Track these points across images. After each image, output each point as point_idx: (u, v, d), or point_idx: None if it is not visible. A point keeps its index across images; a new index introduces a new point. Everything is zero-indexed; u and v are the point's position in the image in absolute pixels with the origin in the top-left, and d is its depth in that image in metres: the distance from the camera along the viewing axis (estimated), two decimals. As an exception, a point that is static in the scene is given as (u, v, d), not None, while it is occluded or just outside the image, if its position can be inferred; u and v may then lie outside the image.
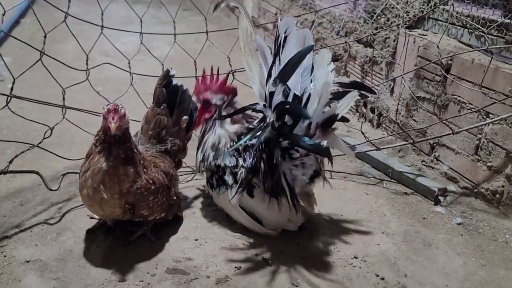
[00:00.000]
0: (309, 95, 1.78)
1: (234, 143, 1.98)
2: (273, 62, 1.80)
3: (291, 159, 1.87)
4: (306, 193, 2.05)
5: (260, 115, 1.98)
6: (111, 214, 1.77)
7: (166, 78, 2.13)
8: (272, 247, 1.94)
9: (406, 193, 2.45)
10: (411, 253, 1.97)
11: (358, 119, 3.30)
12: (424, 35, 2.66)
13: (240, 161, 1.98)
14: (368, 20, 3.20)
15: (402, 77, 2.61)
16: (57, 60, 2.21)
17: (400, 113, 2.82)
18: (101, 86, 3.08)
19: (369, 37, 3.11)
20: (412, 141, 2.53)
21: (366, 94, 1.89)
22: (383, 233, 2.10)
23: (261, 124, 1.91)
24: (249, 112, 2.02)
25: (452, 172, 2.46)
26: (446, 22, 2.59)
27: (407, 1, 2.87)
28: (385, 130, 3.03)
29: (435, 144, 2.59)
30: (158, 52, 2.47)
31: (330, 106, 1.80)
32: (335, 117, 1.79)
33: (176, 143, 2.13)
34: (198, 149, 2.11)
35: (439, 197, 2.34)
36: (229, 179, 1.98)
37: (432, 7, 2.66)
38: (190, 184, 2.40)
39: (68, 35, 2.23)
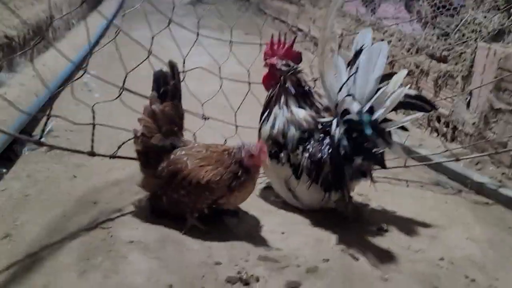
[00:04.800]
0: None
1: (300, 133, 2.14)
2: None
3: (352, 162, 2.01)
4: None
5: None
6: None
7: None
8: (357, 245, 1.98)
9: (487, 203, 2.42)
10: (499, 259, 1.94)
11: (430, 133, 3.29)
12: (505, 47, 2.66)
13: (301, 148, 2.12)
14: (441, 37, 3.25)
15: (489, 90, 2.62)
16: (135, 93, 2.39)
17: (477, 126, 2.81)
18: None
19: (443, 53, 3.16)
20: (495, 151, 2.51)
21: (428, 109, 2.05)
22: (467, 238, 2.09)
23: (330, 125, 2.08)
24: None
25: (537, 184, 2.41)
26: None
27: (485, 16, 2.90)
28: (460, 144, 3.01)
29: (517, 156, 2.55)
30: (227, 70, 2.65)
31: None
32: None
33: None
34: (262, 115, 2.26)
35: (524, 208, 2.29)
36: (283, 158, 2.15)
37: (514, 21, 2.68)
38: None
39: (143, 53, 2.38)
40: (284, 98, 2.21)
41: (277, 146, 2.17)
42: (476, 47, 2.84)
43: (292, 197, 2.23)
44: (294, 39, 2.27)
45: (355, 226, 2.14)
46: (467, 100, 2.93)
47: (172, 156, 1.96)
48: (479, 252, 1.98)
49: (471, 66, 2.89)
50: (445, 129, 3.15)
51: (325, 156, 2.07)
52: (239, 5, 9.73)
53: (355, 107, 1.96)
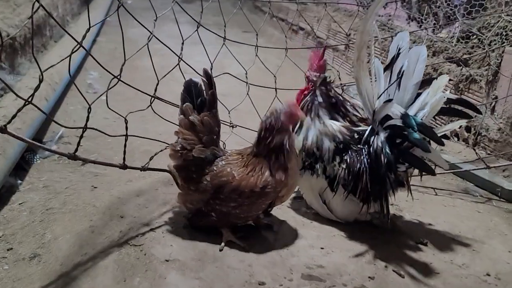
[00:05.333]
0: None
1: (335, 145, 2.06)
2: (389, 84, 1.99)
3: (395, 171, 1.95)
4: None
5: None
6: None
7: None
8: (398, 260, 1.91)
9: (521, 212, 2.38)
10: (546, 272, 1.90)
11: (450, 137, 3.24)
12: (535, 53, 2.62)
13: (338, 159, 2.05)
14: (462, 40, 3.20)
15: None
16: (132, 87, 2.19)
17: (503, 132, 2.77)
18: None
19: (463, 56, 3.11)
20: (528, 159, 2.47)
21: (470, 114, 1.99)
22: (509, 251, 2.04)
23: (368, 133, 2.02)
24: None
25: None
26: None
27: (510, 20, 2.84)
28: (483, 149, 2.96)
29: (548, 164, 2.52)
30: (230, 70, 2.54)
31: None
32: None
33: None
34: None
35: (561, 218, 2.26)
36: (319, 169, 2.07)
37: (543, 25, 2.63)
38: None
39: (145, 52, 2.21)
40: (315, 109, 2.13)
41: (311, 157, 2.09)
42: (503, 51, 2.79)
43: (326, 209, 2.15)
44: (324, 49, 2.17)
45: (393, 239, 2.07)
46: (492, 105, 2.89)
47: (214, 169, 1.86)
48: (524, 266, 1.93)
49: (497, 71, 2.84)
50: (466, 134, 3.10)
51: (364, 166, 2.00)
52: (234, 1, 9.58)
53: (398, 111, 1.88)
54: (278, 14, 7.18)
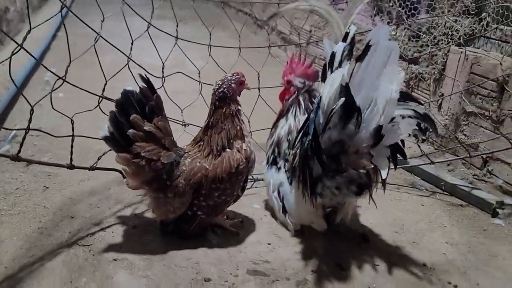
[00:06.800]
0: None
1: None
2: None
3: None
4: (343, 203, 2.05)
5: None
6: None
7: None
8: (343, 254, 2.00)
9: (461, 205, 2.50)
10: (479, 263, 2.01)
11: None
12: (476, 52, 2.75)
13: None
14: (413, 39, 3.32)
15: (461, 94, 2.70)
16: (77, 87, 2.15)
17: (448, 128, 2.90)
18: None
19: (414, 54, 3.23)
20: (468, 155, 2.60)
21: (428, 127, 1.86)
22: (447, 243, 2.16)
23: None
24: None
25: (508, 186, 2.52)
26: (499, 40, 2.68)
27: (456, 20, 2.97)
28: (431, 144, 3.09)
29: (488, 158, 2.65)
30: (189, 66, 2.57)
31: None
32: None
33: None
34: (272, 127, 2.23)
35: (497, 210, 2.39)
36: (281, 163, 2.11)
37: (484, 26, 2.75)
38: (252, 191, 2.47)
39: (104, 47, 2.21)
40: (294, 110, 2.16)
41: (274, 152, 2.15)
42: (448, 50, 2.92)
43: (281, 211, 2.13)
44: (313, 60, 2.22)
45: (339, 234, 2.15)
46: (439, 102, 3.01)
47: (183, 168, 1.88)
48: (459, 256, 2.05)
49: (443, 69, 2.97)
50: (416, 129, 3.22)
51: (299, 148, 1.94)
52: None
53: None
54: (243, 8, 7.20)
